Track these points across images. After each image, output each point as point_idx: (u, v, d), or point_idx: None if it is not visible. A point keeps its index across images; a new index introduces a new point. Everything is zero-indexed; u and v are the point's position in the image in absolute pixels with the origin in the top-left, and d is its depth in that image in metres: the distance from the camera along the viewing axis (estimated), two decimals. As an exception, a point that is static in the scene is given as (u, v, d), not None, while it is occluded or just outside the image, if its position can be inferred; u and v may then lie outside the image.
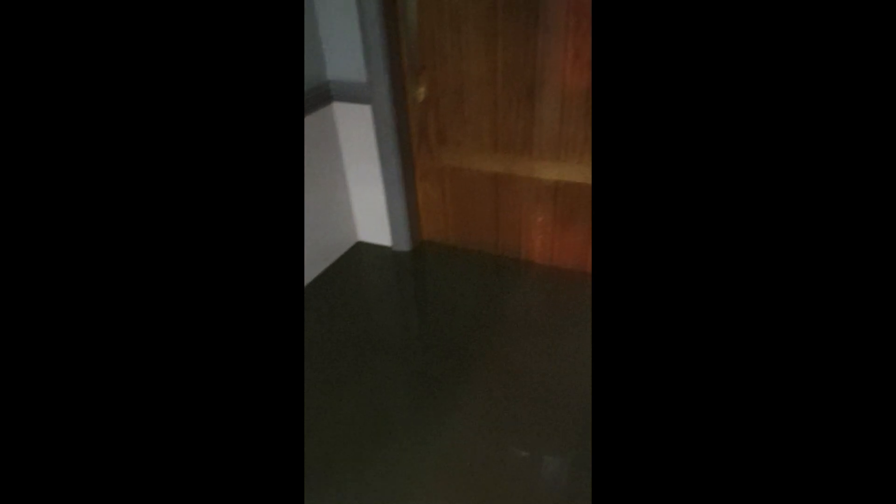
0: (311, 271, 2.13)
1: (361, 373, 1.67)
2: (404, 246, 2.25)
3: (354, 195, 2.24)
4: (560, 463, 1.35)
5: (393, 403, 1.55)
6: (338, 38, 1.83)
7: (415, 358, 1.72)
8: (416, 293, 2.08)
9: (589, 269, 2.01)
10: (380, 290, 2.09)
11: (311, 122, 1.90)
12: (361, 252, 2.33)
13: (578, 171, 1.79)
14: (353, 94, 1.93)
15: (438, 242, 2.29)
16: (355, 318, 1.93)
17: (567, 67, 1.62)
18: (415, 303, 2.02)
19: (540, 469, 1.33)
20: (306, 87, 1.84)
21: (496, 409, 1.50)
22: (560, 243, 2.00)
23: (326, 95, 1.95)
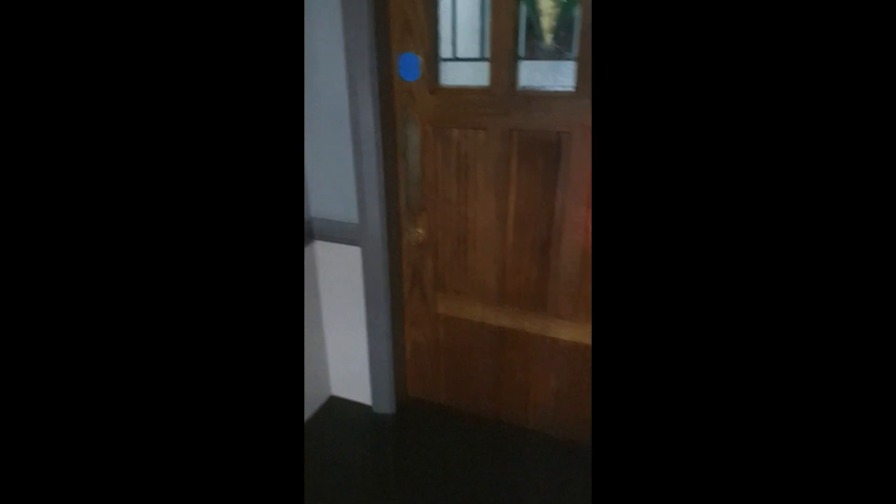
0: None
1: None
2: (387, 407, 1.88)
3: (330, 344, 1.91)
4: None
5: None
6: (326, 173, 1.63)
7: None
8: (400, 468, 1.68)
9: (610, 444, 1.69)
10: (358, 461, 1.68)
11: (288, 264, 1.62)
12: (335, 410, 1.94)
13: (601, 334, 1.54)
14: (340, 235, 1.68)
15: (427, 401, 1.94)
16: (328, 497, 1.51)
17: (589, 222, 1.43)
18: (399, 481, 1.62)
19: None
20: (286, 226, 1.59)
21: None
22: (578, 414, 1.69)
23: (308, 233, 1.70)
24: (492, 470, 1.63)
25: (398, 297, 1.77)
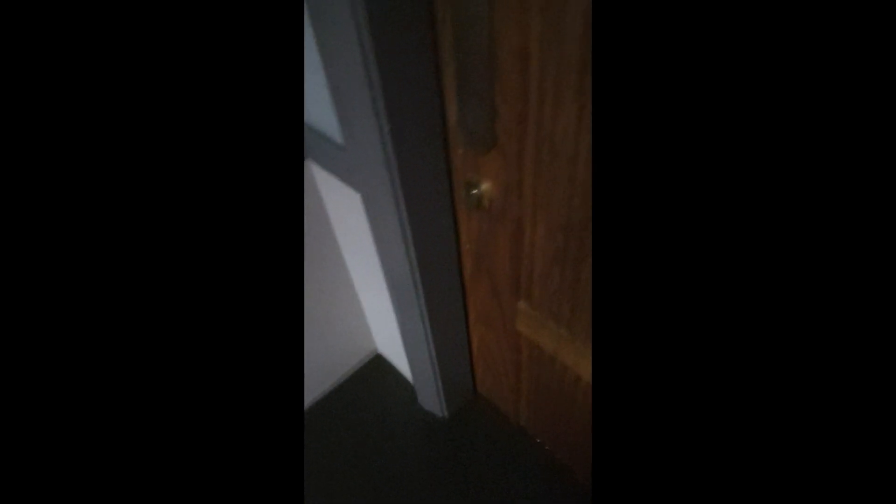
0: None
1: None
2: (437, 408, 1.24)
3: (366, 301, 1.24)
4: None
5: None
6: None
7: None
8: (459, 484, 1.12)
9: None
10: (401, 455, 1.17)
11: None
12: (379, 373, 1.38)
13: None
14: (332, 161, 0.84)
15: (502, 413, 1.24)
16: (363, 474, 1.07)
17: None
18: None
19: None
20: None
21: None
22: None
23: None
24: None
25: (451, 278, 0.95)
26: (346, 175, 0.81)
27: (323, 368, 1.30)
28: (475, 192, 0.74)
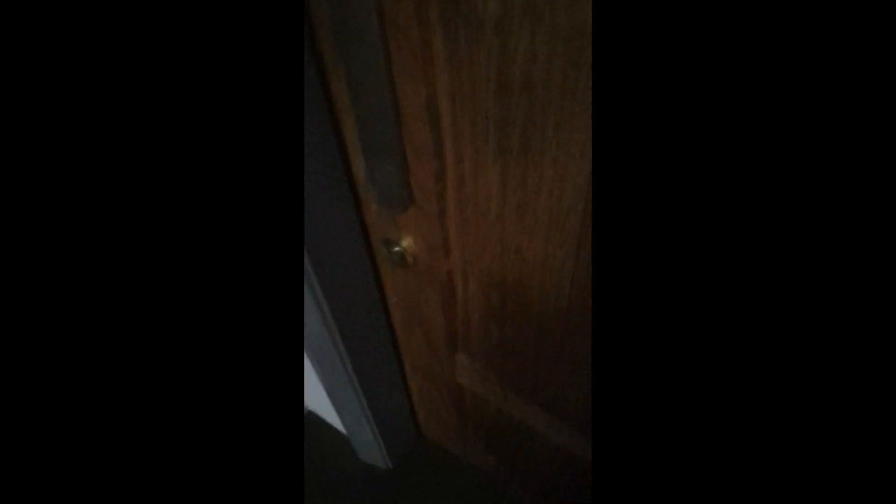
0: None
1: None
2: (379, 460, 1.15)
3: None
4: None
5: None
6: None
7: None
8: None
9: None
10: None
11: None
12: (313, 430, 1.26)
13: None
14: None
15: (450, 454, 1.17)
16: None
17: None
18: None
19: None
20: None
21: None
22: None
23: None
24: None
25: (373, 339, 0.86)
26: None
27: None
28: (396, 249, 0.66)
